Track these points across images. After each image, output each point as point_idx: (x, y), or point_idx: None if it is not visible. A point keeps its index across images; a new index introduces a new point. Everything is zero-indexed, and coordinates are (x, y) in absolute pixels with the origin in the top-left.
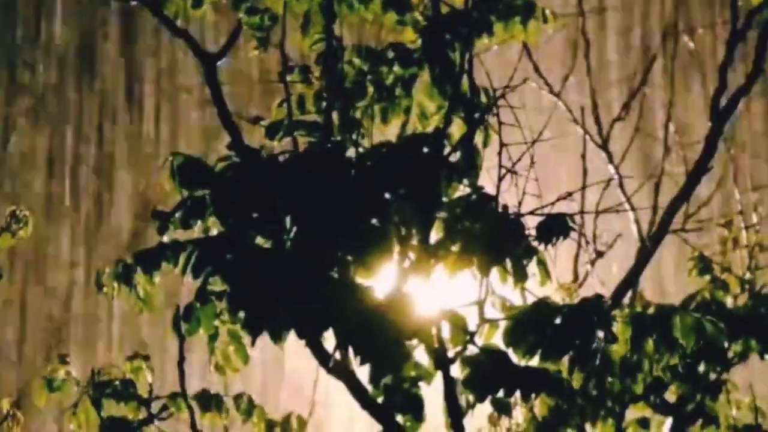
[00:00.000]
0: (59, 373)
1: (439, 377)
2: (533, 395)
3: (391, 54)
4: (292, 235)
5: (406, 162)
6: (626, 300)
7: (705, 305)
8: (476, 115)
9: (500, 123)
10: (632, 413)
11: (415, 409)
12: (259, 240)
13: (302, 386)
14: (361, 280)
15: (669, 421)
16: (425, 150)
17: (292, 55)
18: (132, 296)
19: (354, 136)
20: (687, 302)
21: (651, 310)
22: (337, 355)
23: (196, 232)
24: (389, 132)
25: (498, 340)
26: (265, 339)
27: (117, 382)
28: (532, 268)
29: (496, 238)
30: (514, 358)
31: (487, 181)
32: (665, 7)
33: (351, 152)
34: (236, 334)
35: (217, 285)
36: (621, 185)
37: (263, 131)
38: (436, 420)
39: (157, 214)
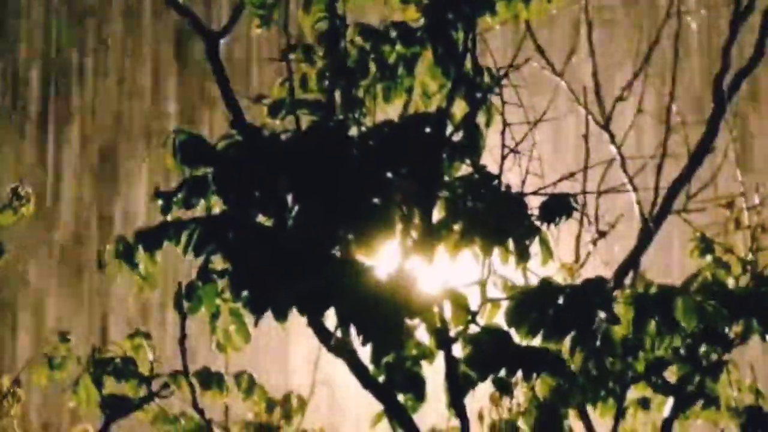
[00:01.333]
0: (60, 350)
1: (440, 357)
2: (535, 375)
3: (393, 33)
4: (294, 213)
5: (408, 141)
6: (628, 280)
7: (706, 286)
8: (479, 95)
9: (503, 103)
10: (633, 393)
11: (417, 388)
12: (261, 219)
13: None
14: (362, 259)
15: (670, 402)
16: (427, 129)
17: (295, 33)
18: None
19: (356, 115)
20: (688, 283)
21: (653, 291)
22: (339, 334)
23: (198, 210)
24: (392, 111)
25: (500, 320)
26: (266, 318)
27: (117, 360)
28: (535, 248)
29: (498, 218)
30: (516, 337)
31: (489, 161)
32: None
33: (353, 131)
34: (237, 313)
35: (219, 264)
36: (623, 165)
37: (266, 110)
38: (437, 399)
39: (160, 193)
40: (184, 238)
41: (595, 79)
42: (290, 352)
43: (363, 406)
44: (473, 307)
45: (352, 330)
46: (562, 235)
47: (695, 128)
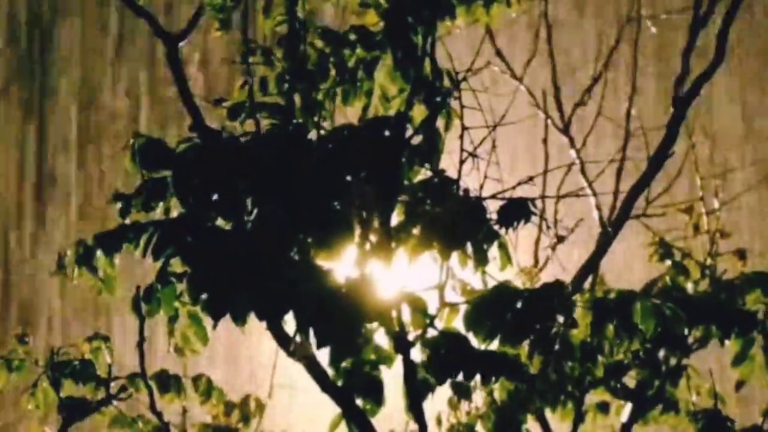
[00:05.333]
0: (18, 353)
1: (399, 361)
2: (493, 379)
3: (353, 36)
4: (252, 217)
5: (367, 145)
6: (587, 285)
7: (666, 291)
8: (438, 99)
9: (462, 107)
10: (592, 398)
11: (375, 392)
12: (220, 222)
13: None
14: (321, 262)
15: (628, 406)
16: (387, 133)
17: (254, 36)
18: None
19: (316, 119)
20: (648, 288)
21: (612, 296)
22: (298, 338)
23: (157, 214)
24: (351, 115)
25: (458, 324)
26: (224, 321)
27: (76, 362)
28: (493, 252)
29: (457, 221)
30: (475, 342)
31: (448, 165)
32: None
33: (313, 135)
34: (196, 316)
35: (177, 267)
36: (582, 170)
37: (225, 113)
38: (395, 403)
39: (119, 196)
40: (142, 241)
41: (554, 84)
42: (249, 355)
43: (321, 410)
44: (432, 311)
45: (311, 334)
46: (521, 239)
47: (655, 133)
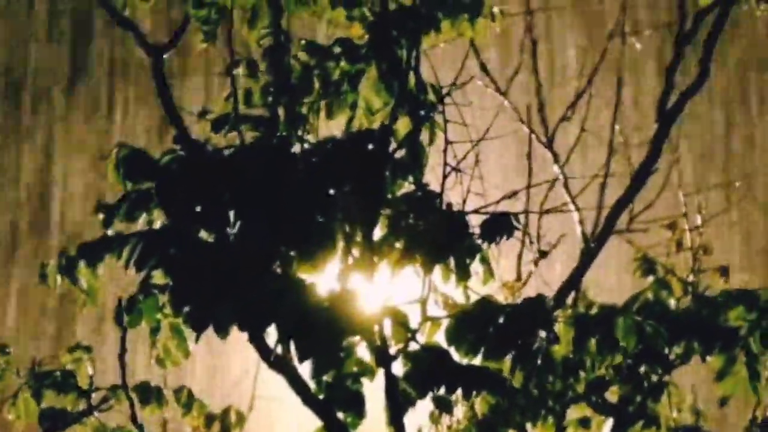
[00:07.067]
0: None
1: (380, 374)
2: (474, 393)
3: (338, 49)
4: (236, 229)
5: (351, 158)
6: (570, 300)
7: (648, 307)
8: (422, 113)
9: (446, 121)
10: (573, 413)
11: (356, 405)
12: (204, 234)
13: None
14: (304, 275)
15: (610, 422)
16: (370, 146)
17: (239, 48)
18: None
19: (300, 132)
20: (630, 303)
21: (594, 311)
22: (280, 351)
23: (140, 225)
24: (335, 127)
25: (440, 338)
26: (206, 333)
27: (57, 373)
28: (476, 266)
29: (439, 235)
30: (457, 356)
31: (432, 179)
32: (613, 7)
33: (297, 147)
34: (178, 328)
35: (160, 278)
36: (566, 185)
37: (209, 125)
38: (377, 417)
39: (102, 206)
40: (125, 253)
41: (538, 98)
42: (230, 367)
43: (303, 423)
44: (414, 324)
45: (293, 347)
46: (504, 254)
47: (639, 149)
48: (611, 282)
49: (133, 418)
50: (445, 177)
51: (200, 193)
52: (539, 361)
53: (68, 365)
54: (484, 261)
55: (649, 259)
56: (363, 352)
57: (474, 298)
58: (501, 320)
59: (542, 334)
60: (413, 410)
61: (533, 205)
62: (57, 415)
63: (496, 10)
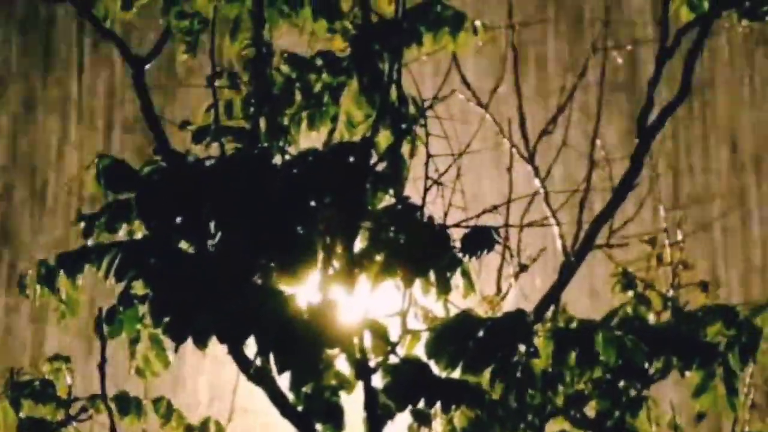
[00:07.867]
0: None
1: (360, 387)
2: (454, 406)
3: (319, 62)
4: (216, 240)
5: (332, 170)
6: (549, 314)
7: (627, 321)
8: (404, 125)
9: (427, 134)
10: (552, 427)
11: (335, 418)
12: (184, 245)
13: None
14: (284, 287)
15: None
16: (352, 159)
17: (221, 60)
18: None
19: (281, 143)
20: (609, 317)
21: (573, 325)
22: (258, 363)
23: (120, 235)
24: (316, 140)
25: (420, 351)
26: (186, 344)
27: (36, 383)
28: (456, 280)
29: (420, 249)
30: (436, 369)
31: (413, 192)
32: (595, 22)
33: (278, 159)
34: (157, 339)
35: (140, 289)
36: (546, 199)
37: (190, 136)
38: (356, 429)
39: (82, 216)
40: (105, 263)
41: (520, 113)
42: (209, 379)
43: None
44: (394, 337)
45: (272, 358)
46: (484, 267)
47: (619, 163)
48: (591, 296)
49: (112, 429)
50: (426, 190)
51: (181, 204)
52: (519, 375)
53: (47, 375)
54: (465, 274)
55: (629, 273)
56: (342, 364)
57: (454, 311)
58: (481, 334)
59: (522, 347)
60: (392, 423)
61: (514, 218)
62: (36, 425)
63: (478, 23)
